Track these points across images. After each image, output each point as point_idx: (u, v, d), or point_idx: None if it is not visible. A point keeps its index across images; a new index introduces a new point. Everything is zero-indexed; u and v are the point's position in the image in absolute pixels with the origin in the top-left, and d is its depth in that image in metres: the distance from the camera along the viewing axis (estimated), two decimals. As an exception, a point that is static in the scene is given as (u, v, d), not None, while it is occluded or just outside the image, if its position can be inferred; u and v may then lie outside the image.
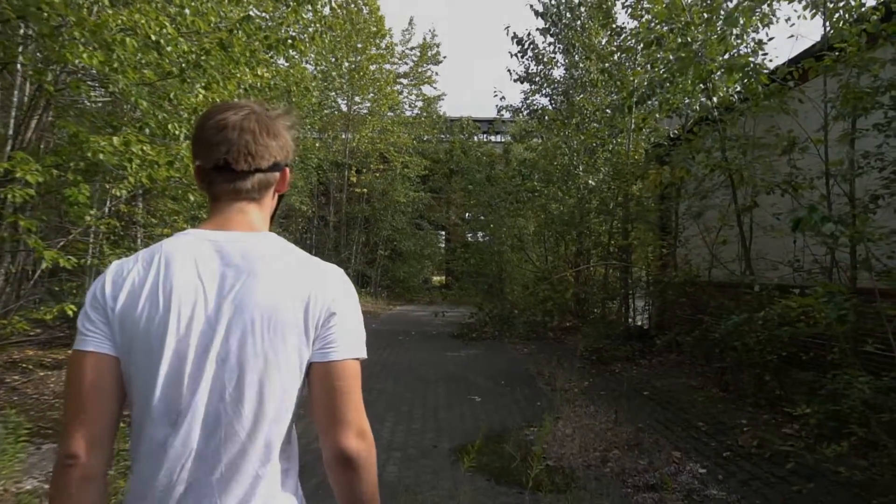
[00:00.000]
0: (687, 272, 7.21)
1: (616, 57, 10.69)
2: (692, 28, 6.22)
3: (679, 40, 6.24)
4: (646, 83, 6.74)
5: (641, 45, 7.45)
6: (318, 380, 1.11)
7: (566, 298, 10.46)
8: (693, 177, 6.07)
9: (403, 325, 15.38)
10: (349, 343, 1.14)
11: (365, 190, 24.09)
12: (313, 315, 1.10)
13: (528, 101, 14.97)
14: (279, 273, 1.11)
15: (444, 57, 35.90)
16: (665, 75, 6.46)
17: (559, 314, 10.91)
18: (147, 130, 5.72)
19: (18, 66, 6.41)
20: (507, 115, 15.21)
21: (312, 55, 17.45)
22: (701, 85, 6.30)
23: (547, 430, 5.51)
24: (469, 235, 26.44)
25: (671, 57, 6.60)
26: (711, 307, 6.87)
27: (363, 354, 1.17)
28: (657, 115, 8.49)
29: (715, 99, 6.24)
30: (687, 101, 7.53)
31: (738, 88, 6.03)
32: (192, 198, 6.18)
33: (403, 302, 24.06)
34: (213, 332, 1.06)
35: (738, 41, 6.05)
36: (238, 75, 6.16)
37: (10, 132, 7.29)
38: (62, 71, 6.06)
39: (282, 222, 20.47)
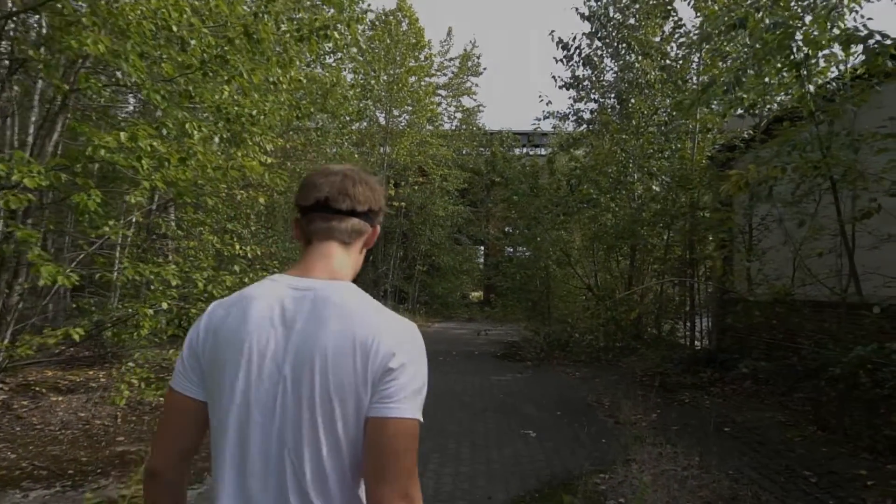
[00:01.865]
0: (777, 290, 6.25)
1: (676, 53, 9.79)
2: (781, 5, 5.33)
3: (767, 21, 5.36)
4: (724, 75, 5.84)
5: (715, 33, 6.59)
6: (370, 435, 1.07)
7: (630, 319, 9.53)
8: (788, 177, 5.14)
9: (443, 343, 14.59)
10: (408, 402, 1.08)
11: (403, 203, 23.55)
12: (373, 367, 1.08)
13: (575, 108, 14.16)
14: (347, 322, 1.10)
15: (485, 68, 35.16)
16: (749, 63, 5.56)
17: (623, 337, 9.96)
18: (164, 131, 5.12)
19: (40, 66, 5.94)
20: (553, 121, 14.40)
21: (350, 64, 16.96)
22: (794, 71, 5.38)
23: (622, 478, 4.64)
24: (509, 250, 25.64)
25: (755, 43, 5.71)
26: (807, 331, 5.88)
27: (419, 416, 1.10)
28: (730, 113, 7.56)
29: (811, 87, 5.31)
30: (769, 94, 6.62)
31: (849, 70, 5.11)
32: (210, 202, 5.53)
33: (442, 319, 23.28)
34: (279, 377, 1.08)
35: (845, 13, 5.13)
36: (266, 67, 5.54)
37: (30, 137, 6.83)
38: (74, 65, 5.51)
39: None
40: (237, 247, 7.48)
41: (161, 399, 6.14)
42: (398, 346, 1.10)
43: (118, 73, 5.83)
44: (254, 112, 6.05)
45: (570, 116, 14.23)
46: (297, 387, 1.06)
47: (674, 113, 10.01)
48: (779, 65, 5.56)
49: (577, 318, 11.91)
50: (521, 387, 8.85)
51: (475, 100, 36.82)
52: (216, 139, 7.56)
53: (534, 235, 13.76)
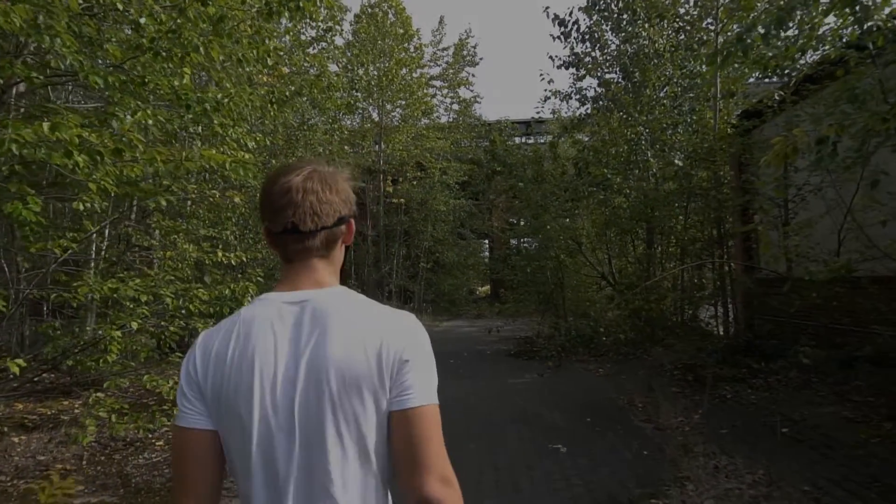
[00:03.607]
0: (836, 267, 5.43)
1: (691, 13, 8.91)
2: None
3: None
4: (762, 18, 5.00)
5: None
6: (398, 428, 1.10)
7: (661, 309, 8.71)
8: (847, 133, 4.29)
9: (453, 344, 13.79)
10: (425, 389, 1.12)
11: (402, 200, 22.77)
12: (387, 364, 1.10)
13: (577, 87, 13.32)
14: (349, 326, 1.12)
15: (481, 58, 34.29)
16: (793, 3, 4.72)
17: (653, 330, 9.12)
18: (115, 124, 4.33)
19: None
20: (555, 101, 13.56)
21: (334, 53, 16.11)
22: (849, 8, 4.55)
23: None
24: (513, 242, 24.80)
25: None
26: (873, 311, 5.05)
27: (437, 401, 1.13)
28: (756, 72, 6.72)
29: (878, 21, 4.46)
30: (807, 45, 5.77)
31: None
32: (164, 202, 4.72)
33: (450, 317, 22.48)
34: (293, 393, 1.08)
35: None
36: (227, 41, 4.75)
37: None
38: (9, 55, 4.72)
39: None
40: (220, 254, 6.71)
41: (137, 432, 5.38)
42: (406, 339, 1.14)
43: (61, 63, 5.02)
44: (218, 96, 5.26)
45: (572, 96, 13.38)
46: (315, 400, 1.08)
47: (694, 80, 9.16)
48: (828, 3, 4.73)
49: (600, 310, 11.05)
50: (541, 390, 8.05)
51: (472, 90, 35.82)
52: (183, 134, 6.77)
53: (541, 224, 12.95)
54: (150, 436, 5.60)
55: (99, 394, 5.40)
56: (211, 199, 6.46)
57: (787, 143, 4.56)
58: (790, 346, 7.28)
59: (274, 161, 10.02)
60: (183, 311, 5.80)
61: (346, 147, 18.87)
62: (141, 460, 5.09)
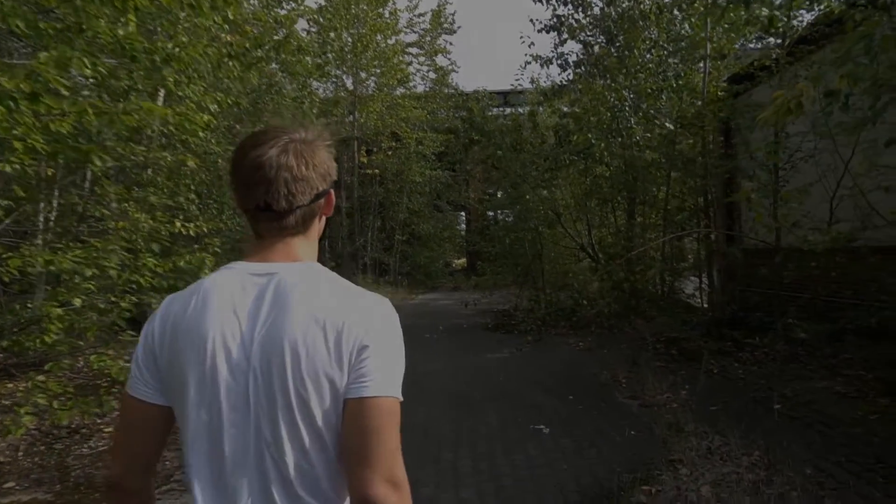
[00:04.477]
0: (835, 235, 5.14)
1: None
2: None
3: None
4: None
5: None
6: (349, 418, 1.02)
7: (647, 281, 8.40)
8: (860, 86, 3.93)
9: (429, 318, 13.44)
10: (383, 379, 1.03)
11: (377, 171, 22.14)
12: (346, 348, 1.02)
13: (559, 52, 12.81)
14: (313, 304, 1.04)
15: (459, 26, 33.33)
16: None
17: (638, 302, 8.81)
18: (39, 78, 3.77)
19: None
20: (535, 67, 13.05)
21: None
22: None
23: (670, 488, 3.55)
24: (490, 214, 24.38)
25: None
26: (870, 282, 4.78)
27: (398, 394, 1.04)
28: (750, 32, 6.35)
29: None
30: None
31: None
32: (99, 162, 4.16)
33: (426, 290, 22.11)
34: (248, 371, 1.02)
35: None
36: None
37: None
38: None
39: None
40: (177, 224, 6.20)
41: (83, 417, 4.92)
42: (370, 323, 1.06)
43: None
44: (169, 45, 4.72)
45: (553, 61, 12.87)
46: (269, 378, 1.01)
47: (679, 45, 8.74)
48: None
49: (582, 282, 10.71)
50: (521, 365, 7.73)
51: (449, 59, 34.87)
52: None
53: (520, 195, 12.56)
54: (98, 421, 5.14)
55: (40, 377, 4.91)
56: (162, 163, 5.91)
57: (791, 97, 4.19)
58: (777, 319, 7.05)
59: (239, 127, 9.41)
60: (133, 286, 5.32)
61: (319, 117, 18.16)
62: (85, 450, 4.64)
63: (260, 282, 1.07)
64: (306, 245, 1.16)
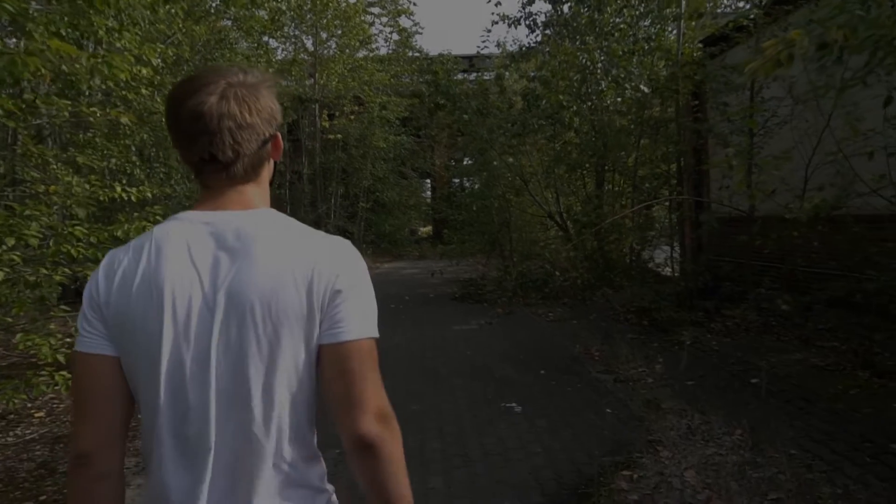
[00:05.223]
0: (822, 204, 4.92)
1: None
2: None
3: None
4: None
5: None
6: (330, 363, 1.01)
7: (621, 250, 8.15)
8: (855, 40, 3.65)
9: (395, 287, 13.08)
10: (360, 321, 1.02)
11: (339, 136, 21.38)
12: (318, 293, 1.00)
13: (527, 11, 12.31)
14: (278, 252, 1.01)
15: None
16: None
17: (612, 272, 8.57)
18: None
19: None
20: (503, 27, 12.54)
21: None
22: None
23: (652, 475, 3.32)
24: (455, 181, 23.91)
25: None
26: (868, 254, 4.59)
27: (375, 334, 1.04)
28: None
29: None
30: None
31: None
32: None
33: (391, 258, 21.73)
34: (211, 323, 0.98)
35: None
36: None
37: None
38: None
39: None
40: (118, 189, 5.65)
41: (7, 404, 4.44)
42: (340, 266, 1.04)
43: None
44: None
45: (522, 21, 12.38)
46: (236, 332, 0.97)
47: (651, 6, 8.38)
48: None
49: (554, 252, 10.44)
50: (489, 337, 7.46)
51: (412, 20, 33.88)
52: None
53: (487, 161, 12.18)
54: (28, 406, 4.67)
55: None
56: (91, 119, 5.33)
57: (781, 46, 3.87)
58: (750, 290, 6.91)
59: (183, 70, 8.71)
60: (63, 257, 4.79)
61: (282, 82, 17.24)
62: (10, 438, 4.19)
63: (216, 231, 1.02)
64: (258, 191, 1.11)
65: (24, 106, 4.62)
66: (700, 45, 7.64)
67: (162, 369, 0.96)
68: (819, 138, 6.14)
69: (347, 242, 1.10)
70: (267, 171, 1.13)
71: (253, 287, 0.97)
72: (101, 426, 1.00)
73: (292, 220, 1.08)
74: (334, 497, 1.10)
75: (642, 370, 5.51)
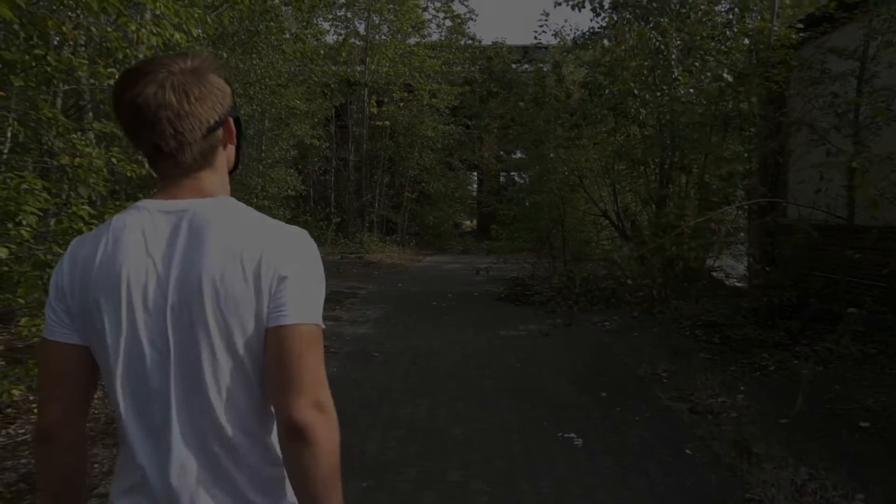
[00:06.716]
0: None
1: None
2: None
3: None
4: None
5: None
6: (270, 346, 1.01)
7: (704, 259, 7.32)
8: None
9: (437, 283, 12.47)
10: (302, 306, 1.02)
11: (388, 123, 20.86)
12: (265, 280, 1.00)
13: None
14: (229, 238, 1.01)
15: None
16: None
17: (688, 283, 7.70)
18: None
19: None
20: (566, 7, 11.70)
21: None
22: None
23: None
24: (503, 176, 23.05)
25: None
26: None
27: (317, 321, 1.03)
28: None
29: None
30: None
31: None
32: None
33: (434, 251, 21.10)
34: (165, 308, 1.00)
35: None
36: None
37: None
38: None
39: (297, 164, 17.48)
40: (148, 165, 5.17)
41: (3, 395, 3.99)
42: (287, 253, 1.04)
43: None
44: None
45: (585, 4, 11.53)
46: (189, 316, 0.99)
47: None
48: None
49: (625, 258, 9.53)
50: (540, 348, 6.73)
51: (466, 5, 33.01)
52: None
53: (541, 154, 11.39)
54: (30, 399, 4.22)
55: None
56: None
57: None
58: (843, 309, 6.01)
59: (226, 56, 8.24)
60: (75, 234, 4.31)
61: (327, 62, 16.76)
62: (1, 439, 3.71)
63: (172, 219, 1.03)
64: (215, 178, 1.10)
65: (54, 63, 4.18)
66: (800, 25, 6.70)
67: (121, 359, 0.99)
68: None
69: (303, 231, 1.09)
70: (222, 157, 1.12)
71: (203, 272, 0.98)
72: (64, 405, 1.05)
73: (250, 209, 1.08)
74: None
75: (722, 400, 4.72)
